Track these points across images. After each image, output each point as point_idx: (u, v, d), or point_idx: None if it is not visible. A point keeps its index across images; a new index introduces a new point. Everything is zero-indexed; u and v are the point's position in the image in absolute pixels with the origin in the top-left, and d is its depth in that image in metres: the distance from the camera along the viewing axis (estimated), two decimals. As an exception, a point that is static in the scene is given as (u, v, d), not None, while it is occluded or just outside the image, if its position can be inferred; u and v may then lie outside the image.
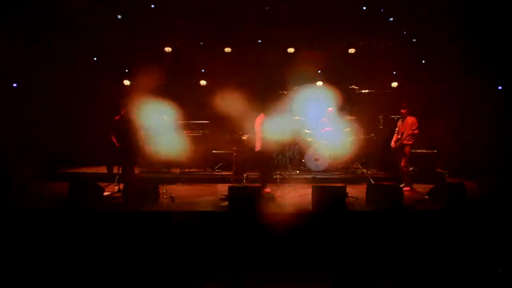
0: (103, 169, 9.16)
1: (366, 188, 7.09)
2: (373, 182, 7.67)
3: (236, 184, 8.04)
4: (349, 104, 10.31)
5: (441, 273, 5.12)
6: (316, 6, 10.07)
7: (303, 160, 9.63)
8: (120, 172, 7.90)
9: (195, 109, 10.35)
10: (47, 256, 5.43)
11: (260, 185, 7.42)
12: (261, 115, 7.71)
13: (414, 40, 10.62)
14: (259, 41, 10.27)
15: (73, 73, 10.19)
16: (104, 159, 9.16)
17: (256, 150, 7.66)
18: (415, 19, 10.01)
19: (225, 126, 9.84)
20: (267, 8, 9.99)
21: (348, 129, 9.63)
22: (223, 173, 9.45)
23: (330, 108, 9.76)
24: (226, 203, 6.47)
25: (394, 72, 10.94)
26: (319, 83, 10.99)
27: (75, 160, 10.16)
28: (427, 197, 7.00)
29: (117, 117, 7.91)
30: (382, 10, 10.17)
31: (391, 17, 10.19)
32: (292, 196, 7.60)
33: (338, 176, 9.12)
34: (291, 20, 10.10)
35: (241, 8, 9.92)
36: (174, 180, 8.90)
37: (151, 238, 5.76)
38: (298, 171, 9.58)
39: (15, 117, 9.21)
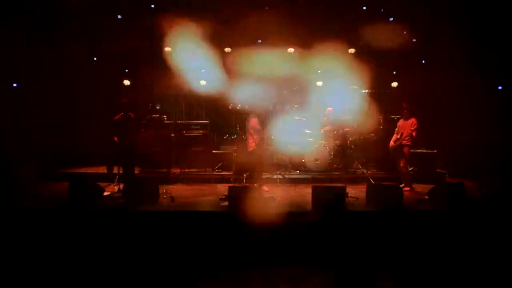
0: (103, 169, 9.16)
1: (366, 188, 7.09)
2: (373, 182, 7.67)
3: (236, 184, 8.05)
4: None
5: (441, 273, 5.12)
6: (316, 6, 10.07)
7: (303, 160, 9.63)
8: (120, 172, 7.90)
9: (195, 109, 10.35)
10: (47, 256, 5.43)
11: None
12: (255, 117, 7.94)
13: (414, 40, 10.62)
14: (259, 41, 10.26)
15: (73, 73, 10.19)
16: (104, 159, 9.16)
17: (249, 150, 7.88)
18: (415, 19, 10.00)
19: (225, 126, 9.86)
20: (267, 8, 9.98)
21: (348, 129, 9.64)
22: (223, 173, 9.44)
23: (329, 108, 9.76)
24: (226, 203, 6.48)
25: (394, 72, 10.94)
26: (319, 83, 10.99)
27: (75, 160, 10.15)
28: (427, 197, 7.00)
29: (117, 117, 7.92)
30: (382, 10, 10.17)
31: (391, 17, 10.19)
32: (292, 196, 7.60)
33: (338, 176, 9.12)
34: (291, 20, 10.09)
35: (241, 8, 9.91)
36: (174, 180, 8.89)
37: (151, 238, 5.76)
38: (298, 171, 9.58)
39: (15, 117, 9.21)
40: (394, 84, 10.61)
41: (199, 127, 10.13)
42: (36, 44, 9.36)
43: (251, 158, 7.95)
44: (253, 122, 7.99)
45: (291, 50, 10.63)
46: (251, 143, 7.93)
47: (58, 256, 5.43)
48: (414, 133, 7.94)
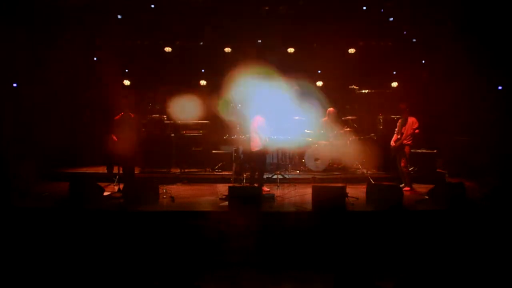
0: (103, 169, 9.15)
1: (366, 188, 7.09)
2: (373, 182, 7.66)
3: (236, 184, 8.05)
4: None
5: (441, 273, 5.12)
6: (316, 6, 10.07)
7: (303, 160, 9.62)
8: (120, 172, 7.90)
9: (195, 109, 10.33)
10: (47, 256, 5.43)
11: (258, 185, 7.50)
12: (259, 116, 7.73)
13: (414, 40, 10.63)
14: (259, 41, 10.28)
15: (73, 73, 10.19)
16: (104, 159, 9.16)
17: (253, 150, 7.70)
18: (415, 19, 10.01)
19: (225, 126, 9.84)
20: (267, 8, 9.99)
21: (348, 129, 9.64)
22: (223, 173, 9.43)
23: (330, 108, 9.76)
24: (226, 203, 6.48)
25: (394, 72, 10.94)
26: (319, 83, 11.00)
27: (75, 160, 10.15)
28: (427, 197, 7.00)
29: (117, 117, 7.92)
30: (382, 10, 10.18)
31: (391, 17, 10.20)
32: (292, 196, 7.60)
33: (338, 176, 9.12)
34: (291, 20, 10.10)
35: (241, 8, 9.92)
36: (174, 180, 8.89)
37: (151, 238, 5.76)
38: (298, 171, 9.57)
39: (15, 117, 9.21)
40: (394, 84, 10.61)
41: (199, 127, 10.13)
42: (36, 44, 9.35)
43: (254, 158, 7.86)
44: (259, 121, 7.66)
45: (291, 50, 10.65)
46: (258, 143, 7.62)
47: (58, 256, 5.44)
48: (417, 131, 7.94)
